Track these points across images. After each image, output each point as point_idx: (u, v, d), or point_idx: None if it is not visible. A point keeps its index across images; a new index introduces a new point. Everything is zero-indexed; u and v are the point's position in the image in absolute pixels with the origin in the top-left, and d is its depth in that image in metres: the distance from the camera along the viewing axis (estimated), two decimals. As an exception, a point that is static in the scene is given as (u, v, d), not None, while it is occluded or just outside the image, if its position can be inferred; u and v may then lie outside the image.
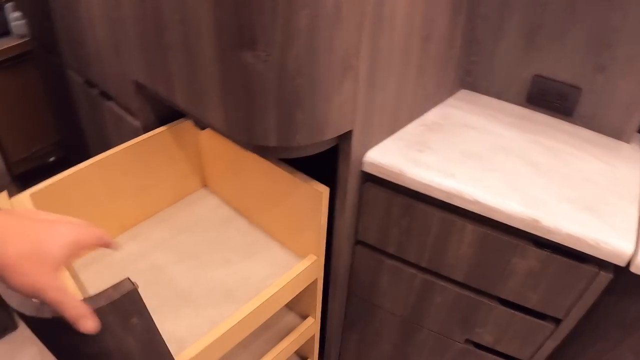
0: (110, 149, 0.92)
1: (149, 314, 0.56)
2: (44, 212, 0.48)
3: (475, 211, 0.73)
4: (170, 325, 0.86)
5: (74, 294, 0.47)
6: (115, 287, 0.51)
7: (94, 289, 0.96)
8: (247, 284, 0.91)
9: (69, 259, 0.45)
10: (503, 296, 0.80)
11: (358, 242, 0.90)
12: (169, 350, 0.63)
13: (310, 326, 1.02)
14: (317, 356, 1.19)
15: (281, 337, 1.00)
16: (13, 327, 1.58)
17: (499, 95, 0.96)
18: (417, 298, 0.88)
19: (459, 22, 0.85)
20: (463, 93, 0.97)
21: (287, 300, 0.88)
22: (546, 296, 0.75)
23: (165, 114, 0.99)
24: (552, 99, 0.90)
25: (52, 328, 0.50)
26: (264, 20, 0.57)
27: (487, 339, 0.87)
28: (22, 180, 2.21)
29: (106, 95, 1.16)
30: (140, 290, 0.92)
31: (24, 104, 1.99)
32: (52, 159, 2.20)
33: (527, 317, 0.79)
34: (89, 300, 0.49)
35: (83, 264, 1.00)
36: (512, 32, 0.88)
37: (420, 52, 0.78)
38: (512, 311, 0.80)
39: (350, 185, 0.78)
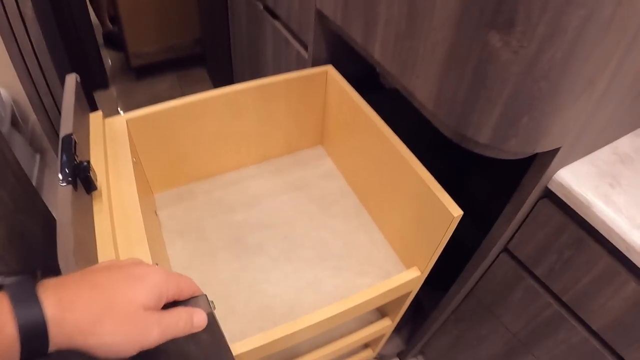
0: (233, 85, 0.85)
1: (222, 333, 0.51)
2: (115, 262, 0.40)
3: (648, 271, 0.65)
4: (241, 298, 0.82)
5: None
6: (190, 303, 0.45)
7: (171, 232, 0.90)
8: (337, 275, 0.86)
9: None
10: (628, 360, 0.73)
11: (505, 250, 0.84)
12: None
13: (386, 327, 0.98)
14: (379, 349, 1.17)
15: (355, 328, 0.97)
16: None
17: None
18: (541, 326, 0.83)
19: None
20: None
21: (373, 308, 0.82)
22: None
23: (340, 49, 0.92)
24: None
25: None
26: (531, 7, 0.50)
27: (590, 391, 0.82)
28: (151, 69, 2.33)
29: (271, 12, 1.11)
30: (221, 249, 0.89)
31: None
32: (184, 54, 2.26)
33: (644, 393, 0.72)
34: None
35: (170, 201, 0.97)
36: None
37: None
38: (631, 379, 0.73)
39: (529, 198, 0.72)
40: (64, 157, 0.60)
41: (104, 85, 2.32)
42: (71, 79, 0.71)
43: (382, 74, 0.77)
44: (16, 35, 1.20)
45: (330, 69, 0.92)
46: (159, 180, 0.95)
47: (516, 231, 0.80)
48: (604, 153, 0.77)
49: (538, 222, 0.76)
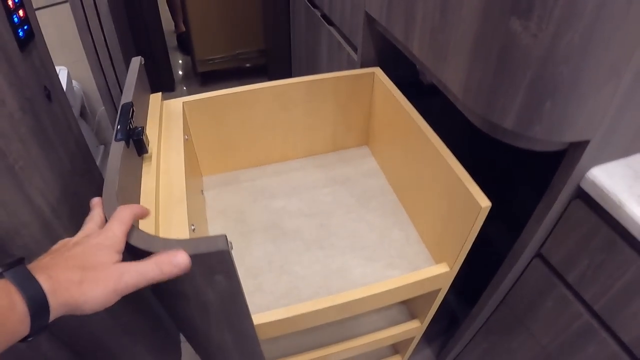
0: (284, 79, 0.92)
1: (237, 276, 0.55)
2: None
3: (684, 279, 0.62)
4: (271, 277, 0.86)
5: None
6: (208, 240, 0.49)
7: (214, 211, 0.98)
8: (366, 265, 0.88)
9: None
10: (662, 380, 0.69)
11: (538, 255, 0.83)
12: (249, 313, 0.63)
13: (414, 329, 0.98)
14: (408, 355, 1.16)
15: (382, 327, 0.97)
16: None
17: None
18: (571, 338, 0.80)
19: None
20: None
21: (399, 300, 0.83)
22: None
23: (386, 53, 0.97)
24: None
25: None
26: (547, -7, 0.52)
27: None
28: (216, 76, 2.40)
29: (327, 19, 1.18)
30: (258, 231, 0.95)
31: (237, 8, 2.10)
32: (248, 65, 2.35)
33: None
34: (179, 242, 0.49)
35: (216, 184, 1.04)
36: None
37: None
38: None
39: (561, 197, 0.71)
40: (121, 119, 0.67)
41: (169, 87, 2.38)
42: (136, 61, 0.80)
43: (421, 69, 0.80)
44: (91, 28, 1.33)
45: (377, 70, 0.96)
46: (209, 164, 1.03)
47: (549, 234, 0.79)
48: (643, 158, 0.75)
49: (570, 224, 0.74)
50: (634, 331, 0.70)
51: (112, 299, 0.42)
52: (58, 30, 1.58)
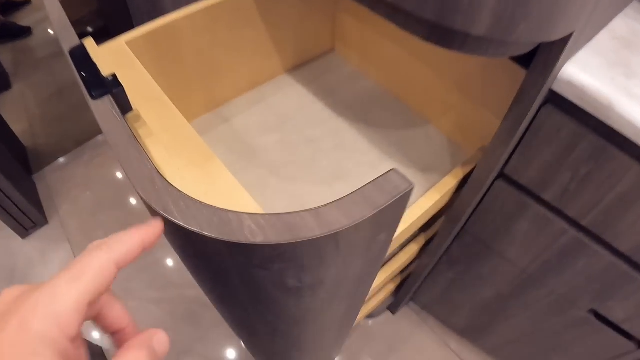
0: None
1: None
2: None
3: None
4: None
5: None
6: (381, 185, 0.32)
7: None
8: (405, 173, 0.79)
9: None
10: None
11: (501, 176, 0.70)
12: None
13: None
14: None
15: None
16: (44, 222, 1.42)
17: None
18: (555, 256, 0.71)
19: None
20: (636, 5, 0.71)
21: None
22: None
23: None
24: None
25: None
26: None
27: (616, 315, 0.72)
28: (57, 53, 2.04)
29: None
30: (270, 176, 0.78)
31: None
32: (90, 29, 1.97)
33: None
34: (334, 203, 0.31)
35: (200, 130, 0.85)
36: None
37: None
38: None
39: (532, 107, 0.57)
40: (84, 69, 0.45)
41: (5, 86, 1.99)
42: None
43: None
44: None
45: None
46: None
47: (513, 152, 0.66)
48: (603, 39, 0.61)
49: (543, 136, 0.61)
50: (631, 241, 0.61)
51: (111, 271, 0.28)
52: None
